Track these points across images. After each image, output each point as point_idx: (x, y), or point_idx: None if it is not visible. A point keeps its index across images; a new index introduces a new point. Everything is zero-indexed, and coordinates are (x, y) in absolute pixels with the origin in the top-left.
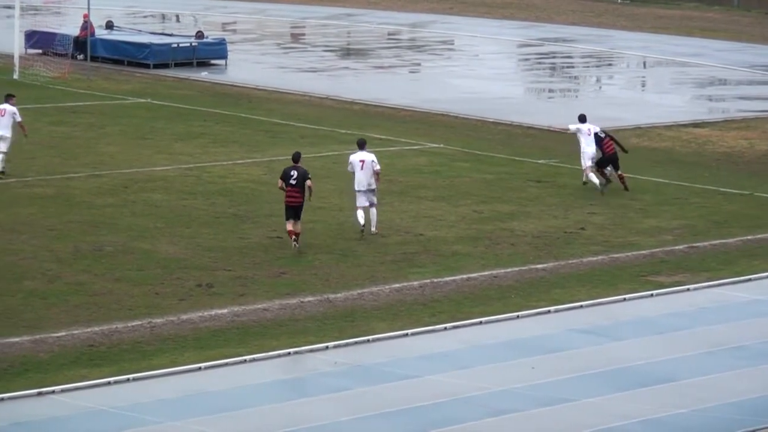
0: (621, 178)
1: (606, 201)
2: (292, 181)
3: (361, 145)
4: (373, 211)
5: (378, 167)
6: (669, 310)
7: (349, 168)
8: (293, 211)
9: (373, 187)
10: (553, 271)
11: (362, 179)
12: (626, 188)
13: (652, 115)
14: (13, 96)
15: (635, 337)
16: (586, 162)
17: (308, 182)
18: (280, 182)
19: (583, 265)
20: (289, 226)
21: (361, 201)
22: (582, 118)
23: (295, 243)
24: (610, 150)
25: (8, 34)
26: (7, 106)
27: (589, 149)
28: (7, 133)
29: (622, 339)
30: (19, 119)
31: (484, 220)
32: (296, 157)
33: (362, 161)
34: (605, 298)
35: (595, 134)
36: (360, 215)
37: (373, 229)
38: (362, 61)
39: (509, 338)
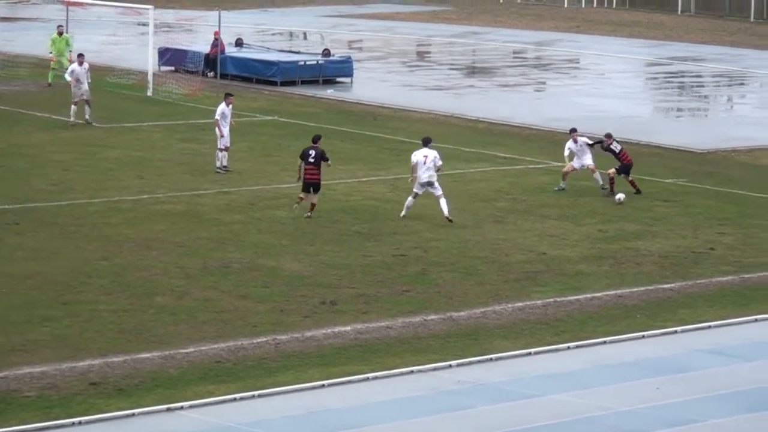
0: (632, 183)
1: (737, 221)
2: (311, 159)
3: (426, 143)
4: (443, 201)
5: (440, 162)
6: None
7: (413, 163)
8: (311, 187)
9: (433, 180)
10: (680, 291)
11: (423, 174)
12: (638, 191)
13: None
14: (231, 95)
15: (766, 358)
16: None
17: (327, 162)
18: (299, 161)
19: (712, 285)
20: (302, 195)
21: (417, 189)
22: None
23: (297, 206)
24: (627, 160)
25: (143, 51)
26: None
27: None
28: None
29: (751, 360)
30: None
31: (608, 239)
32: (316, 139)
33: (426, 156)
34: (734, 318)
35: (609, 147)
36: (409, 202)
37: (446, 214)
38: (487, 80)
39: (634, 358)
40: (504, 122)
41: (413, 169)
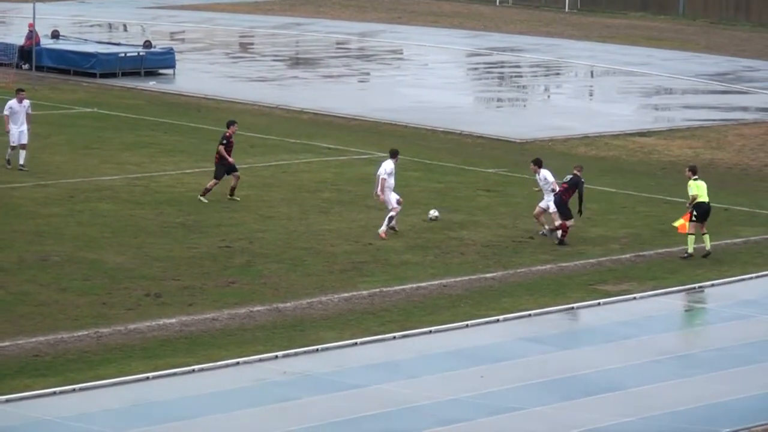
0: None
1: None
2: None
3: (393, 155)
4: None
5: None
6: (616, 318)
7: (380, 172)
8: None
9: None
10: (502, 280)
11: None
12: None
13: (599, 124)
14: (23, 90)
15: (583, 345)
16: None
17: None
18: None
19: (531, 273)
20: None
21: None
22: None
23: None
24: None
25: None
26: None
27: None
28: None
29: (569, 348)
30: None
31: (433, 229)
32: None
33: (392, 170)
34: (553, 307)
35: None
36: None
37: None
38: (311, 71)
39: (458, 347)
40: (328, 113)
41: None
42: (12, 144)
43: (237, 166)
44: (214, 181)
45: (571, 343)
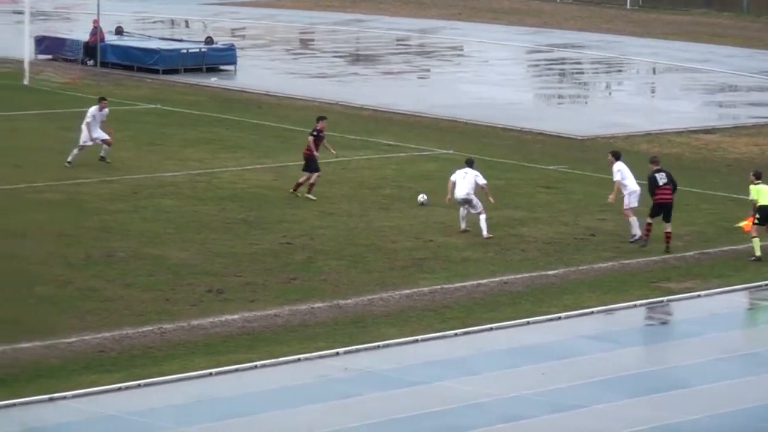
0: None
1: (617, 207)
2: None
3: (469, 163)
4: (481, 217)
5: (483, 181)
6: (680, 316)
7: (451, 180)
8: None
9: (471, 197)
10: (563, 277)
11: (460, 188)
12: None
13: (662, 121)
14: (105, 99)
15: (646, 343)
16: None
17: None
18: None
19: (593, 271)
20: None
21: (461, 209)
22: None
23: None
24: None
25: (18, 39)
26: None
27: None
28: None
29: (633, 345)
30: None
31: (494, 226)
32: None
33: (466, 173)
34: (616, 304)
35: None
36: (461, 214)
37: (485, 234)
38: (371, 67)
39: (519, 344)
40: (388, 109)
41: (450, 188)
42: (83, 143)
43: (317, 165)
44: (309, 174)
45: (635, 341)
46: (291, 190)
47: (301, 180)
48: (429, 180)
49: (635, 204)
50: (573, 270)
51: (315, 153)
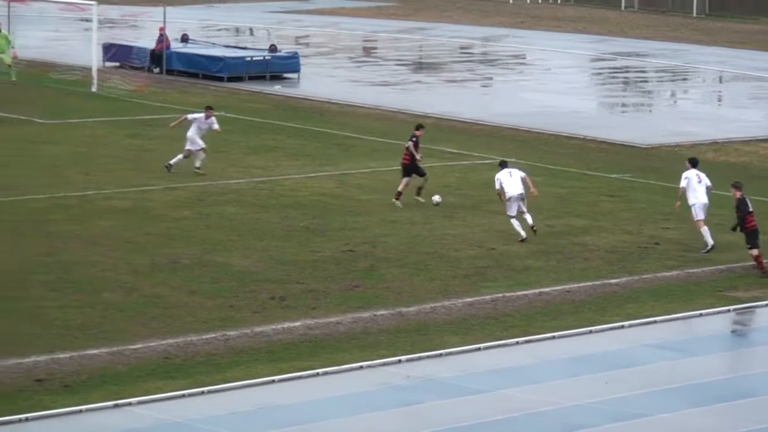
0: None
1: (681, 215)
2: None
3: (504, 164)
4: (527, 216)
5: (524, 174)
6: (746, 325)
7: (497, 184)
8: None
9: (524, 195)
10: (626, 286)
11: (514, 186)
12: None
13: (729, 129)
14: (211, 108)
15: (712, 352)
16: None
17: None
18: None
19: (657, 280)
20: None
21: (512, 210)
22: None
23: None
24: (752, 225)
25: (86, 46)
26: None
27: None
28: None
29: (698, 354)
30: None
31: (556, 235)
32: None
33: (510, 172)
34: (680, 313)
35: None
36: (516, 224)
37: (531, 222)
38: (434, 75)
39: (582, 353)
40: (451, 118)
41: (500, 192)
42: (188, 149)
43: (415, 172)
44: (408, 179)
45: (700, 350)
46: (415, 195)
47: (400, 188)
48: (491, 188)
49: (701, 216)
50: (636, 279)
51: (417, 157)
